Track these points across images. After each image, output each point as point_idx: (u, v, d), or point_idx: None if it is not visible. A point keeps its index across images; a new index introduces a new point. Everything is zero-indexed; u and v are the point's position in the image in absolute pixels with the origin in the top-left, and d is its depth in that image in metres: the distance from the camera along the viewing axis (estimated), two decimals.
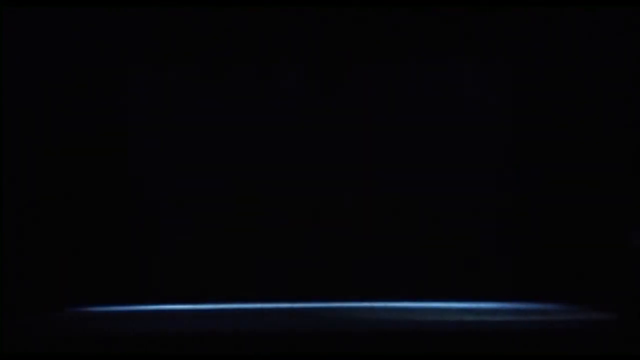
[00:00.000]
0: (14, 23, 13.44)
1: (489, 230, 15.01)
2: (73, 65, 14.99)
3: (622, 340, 8.99)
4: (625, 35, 13.75)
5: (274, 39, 15.42)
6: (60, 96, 14.63)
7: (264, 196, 15.53)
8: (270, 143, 15.55)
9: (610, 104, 14.28)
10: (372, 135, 15.46)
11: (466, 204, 15.14)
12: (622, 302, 10.35)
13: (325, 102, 15.68)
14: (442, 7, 14.67)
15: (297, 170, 15.62)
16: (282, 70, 15.83)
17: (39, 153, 14.24)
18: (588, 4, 13.79)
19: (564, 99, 14.83)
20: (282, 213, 15.39)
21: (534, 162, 15.28)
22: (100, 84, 15.49)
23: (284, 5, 14.69)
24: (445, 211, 15.03)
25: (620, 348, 8.75)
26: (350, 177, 15.45)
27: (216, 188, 15.52)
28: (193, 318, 12.44)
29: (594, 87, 14.43)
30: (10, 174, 13.31)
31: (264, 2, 14.60)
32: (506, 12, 14.68)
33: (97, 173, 15.31)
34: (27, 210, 13.83)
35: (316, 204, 15.50)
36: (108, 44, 15.29)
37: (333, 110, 15.60)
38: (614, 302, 11.82)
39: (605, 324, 10.55)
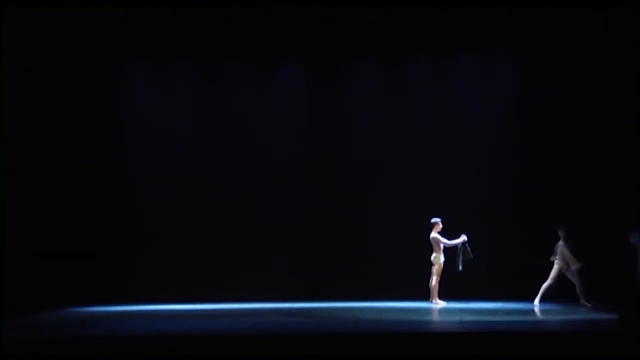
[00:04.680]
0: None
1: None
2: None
3: (622, 340, 9.00)
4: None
5: None
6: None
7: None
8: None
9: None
10: None
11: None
12: (622, 302, 10.36)
13: None
14: None
15: None
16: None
17: None
18: None
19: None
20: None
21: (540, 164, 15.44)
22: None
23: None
24: None
25: (620, 348, 8.76)
26: None
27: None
28: (193, 318, 12.47)
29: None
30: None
31: None
32: None
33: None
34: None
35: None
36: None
37: None
38: (614, 302, 11.82)
39: (605, 324, 10.55)
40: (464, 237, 13.71)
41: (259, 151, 15.79)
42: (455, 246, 13.72)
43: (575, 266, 13.36)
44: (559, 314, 12.37)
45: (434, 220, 13.87)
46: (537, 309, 13.10)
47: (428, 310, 13.02)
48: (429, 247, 13.85)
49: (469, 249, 13.66)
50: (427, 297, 13.85)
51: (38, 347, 9.13)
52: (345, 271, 15.21)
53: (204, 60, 15.98)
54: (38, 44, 14.14)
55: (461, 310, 12.65)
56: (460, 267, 13.60)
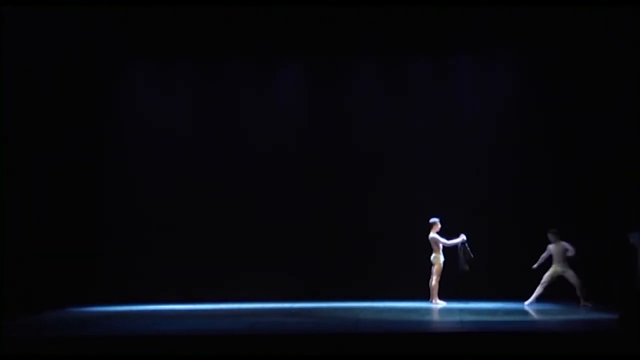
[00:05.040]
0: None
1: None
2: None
3: (622, 340, 9.01)
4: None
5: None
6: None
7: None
8: None
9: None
10: None
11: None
12: (622, 302, 10.36)
13: None
14: None
15: None
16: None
17: None
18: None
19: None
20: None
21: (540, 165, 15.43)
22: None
23: None
24: None
25: (620, 348, 8.76)
26: None
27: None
28: (193, 318, 12.47)
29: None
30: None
31: None
32: None
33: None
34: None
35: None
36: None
37: None
38: (614, 302, 11.82)
39: (605, 324, 10.55)
40: (463, 237, 13.71)
41: (259, 151, 15.79)
42: (454, 246, 13.72)
43: (574, 253, 13.30)
44: (559, 314, 12.36)
45: (432, 220, 13.88)
46: (528, 309, 13.10)
47: (428, 310, 13.02)
48: (429, 247, 13.85)
49: (468, 249, 13.66)
50: (427, 297, 13.85)
51: (38, 347, 9.13)
52: (345, 271, 15.20)
53: (204, 60, 15.97)
54: (38, 44, 14.13)
55: (461, 310, 12.65)
56: (465, 267, 13.60)
